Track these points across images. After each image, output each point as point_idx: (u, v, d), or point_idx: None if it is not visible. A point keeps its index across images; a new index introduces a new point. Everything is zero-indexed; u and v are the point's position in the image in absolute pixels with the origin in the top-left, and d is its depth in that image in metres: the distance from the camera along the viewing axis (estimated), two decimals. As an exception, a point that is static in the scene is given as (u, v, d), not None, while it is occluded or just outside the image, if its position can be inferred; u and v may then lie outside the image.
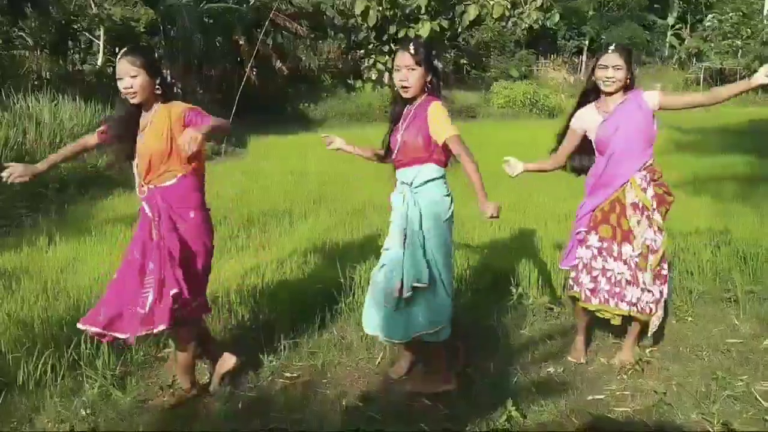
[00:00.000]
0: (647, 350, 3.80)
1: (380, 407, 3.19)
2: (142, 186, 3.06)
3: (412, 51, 3.13)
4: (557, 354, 3.78)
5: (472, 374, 3.55)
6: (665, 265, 3.51)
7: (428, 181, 3.18)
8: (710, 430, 3.00)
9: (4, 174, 3.10)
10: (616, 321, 3.50)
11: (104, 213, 7.03)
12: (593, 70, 3.47)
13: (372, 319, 3.33)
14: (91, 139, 3.25)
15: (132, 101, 3.00)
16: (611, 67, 3.36)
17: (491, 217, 2.98)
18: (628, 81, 3.41)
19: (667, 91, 3.47)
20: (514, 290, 4.55)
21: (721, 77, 34.05)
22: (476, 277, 4.80)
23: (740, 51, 33.23)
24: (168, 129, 2.99)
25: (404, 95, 3.21)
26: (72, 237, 5.85)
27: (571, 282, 3.57)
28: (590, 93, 3.56)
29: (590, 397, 3.30)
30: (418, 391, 3.34)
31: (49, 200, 7.63)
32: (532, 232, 5.94)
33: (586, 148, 3.60)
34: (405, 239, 3.15)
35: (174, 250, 2.97)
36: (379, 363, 3.68)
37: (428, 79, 3.20)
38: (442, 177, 3.23)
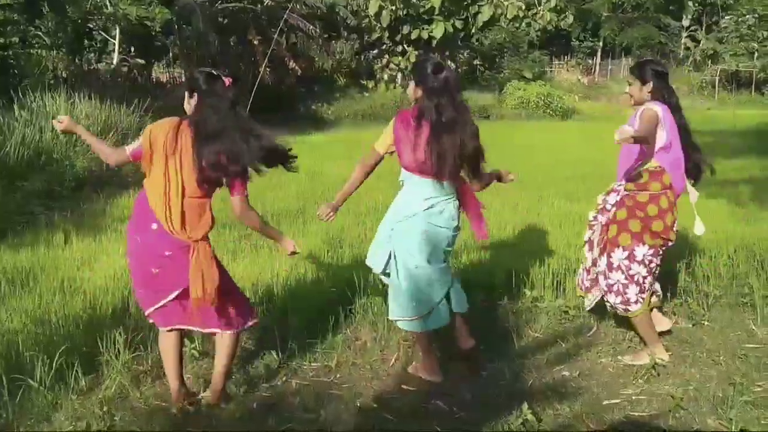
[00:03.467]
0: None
1: (394, 408, 3.19)
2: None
3: None
4: (572, 357, 3.76)
5: (487, 377, 3.54)
6: None
7: None
8: (728, 436, 2.98)
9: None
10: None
11: (119, 212, 7.04)
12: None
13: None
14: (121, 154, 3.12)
15: None
16: None
17: None
18: None
19: None
20: (528, 293, 4.53)
21: (736, 79, 33.77)
22: (490, 280, 4.77)
23: (756, 53, 32.91)
24: None
25: None
26: (88, 235, 5.88)
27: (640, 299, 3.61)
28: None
29: (606, 402, 3.28)
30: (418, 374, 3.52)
31: (65, 199, 7.68)
32: (547, 234, 5.91)
33: None
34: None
35: None
36: (392, 364, 3.68)
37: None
38: None
